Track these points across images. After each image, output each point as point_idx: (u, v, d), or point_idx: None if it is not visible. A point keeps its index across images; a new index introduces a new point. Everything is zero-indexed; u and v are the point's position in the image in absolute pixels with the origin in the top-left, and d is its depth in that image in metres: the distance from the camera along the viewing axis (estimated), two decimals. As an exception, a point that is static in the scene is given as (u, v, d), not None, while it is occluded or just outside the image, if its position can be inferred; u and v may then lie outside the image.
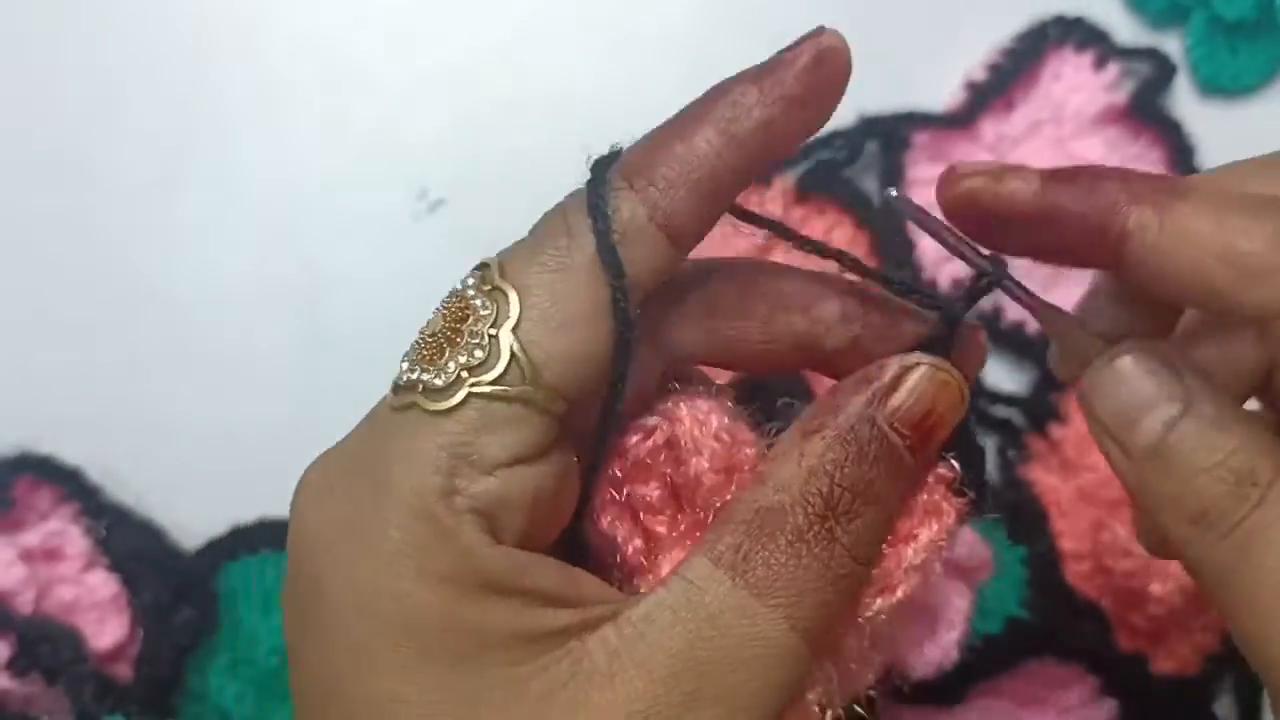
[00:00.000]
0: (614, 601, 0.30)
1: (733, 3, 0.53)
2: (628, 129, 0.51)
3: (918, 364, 0.32)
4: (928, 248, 0.51)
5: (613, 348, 0.30)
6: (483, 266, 0.31)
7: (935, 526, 0.33)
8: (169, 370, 0.50)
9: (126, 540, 0.47)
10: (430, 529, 0.29)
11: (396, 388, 0.31)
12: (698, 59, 0.52)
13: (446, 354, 0.30)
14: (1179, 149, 0.51)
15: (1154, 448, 0.30)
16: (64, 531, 0.47)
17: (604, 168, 0.32)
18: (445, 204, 0.52)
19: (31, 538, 0.46)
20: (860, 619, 0.32)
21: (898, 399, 0.32)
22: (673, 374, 0.33)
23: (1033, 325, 0.50)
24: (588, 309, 0.30)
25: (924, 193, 0.50)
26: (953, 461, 0.33)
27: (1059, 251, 0.33)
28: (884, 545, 0.32)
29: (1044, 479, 0.49)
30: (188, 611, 0.47)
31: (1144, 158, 0.51)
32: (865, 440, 0.31)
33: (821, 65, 0.32)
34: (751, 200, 0.50)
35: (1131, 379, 0.31)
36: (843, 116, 0.50)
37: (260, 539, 0.49)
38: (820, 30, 0.33)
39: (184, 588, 0.47)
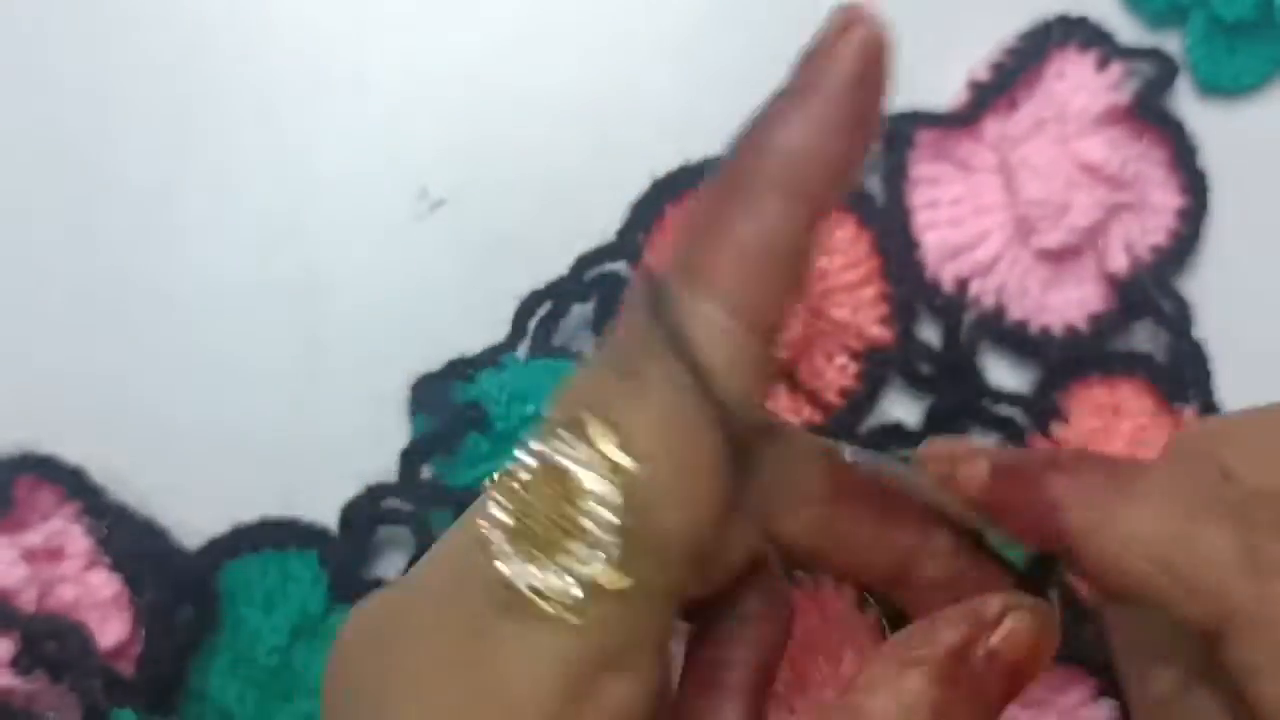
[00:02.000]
0: None
1: (732, 3, 0.53)
2: (627, 129, 0.51)
3: (1021, 604, 0.29)
4: (930, 247, 0.51)
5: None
6: (574, 424, 0.25)
7: None
8: (169, 370, 0.50)
9: (128, 540, 0.47)
10: None
11: (501, 585, 0.25)
12: (697, 59, 0.53)
13: (561, 544, 0.25)
14: (1182, 149, 0.51)
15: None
16: (65, 531, 0.47)
17: (655, 276, 0.27)
18: (445, 204, 0.52)
19: (33, 537, 0.46)
20: None
21: (997, 639, 0.29)
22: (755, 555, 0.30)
23: (1035, 324, 0.51)
24: (705, 460, 0.25)
25: (928, 191, 0.51)
26: None
27: (1011, 530, 0.31)
28: None
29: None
30: (189, 611, 0.47)
31: (1147, 157, 0.51)
32: (961, 680, 0.28)
33: (868, 76, 0.28)
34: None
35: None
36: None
37: (262, 538, 0.48)
38: (849, 16, 0.28)
39: (185, 587, 0.47)
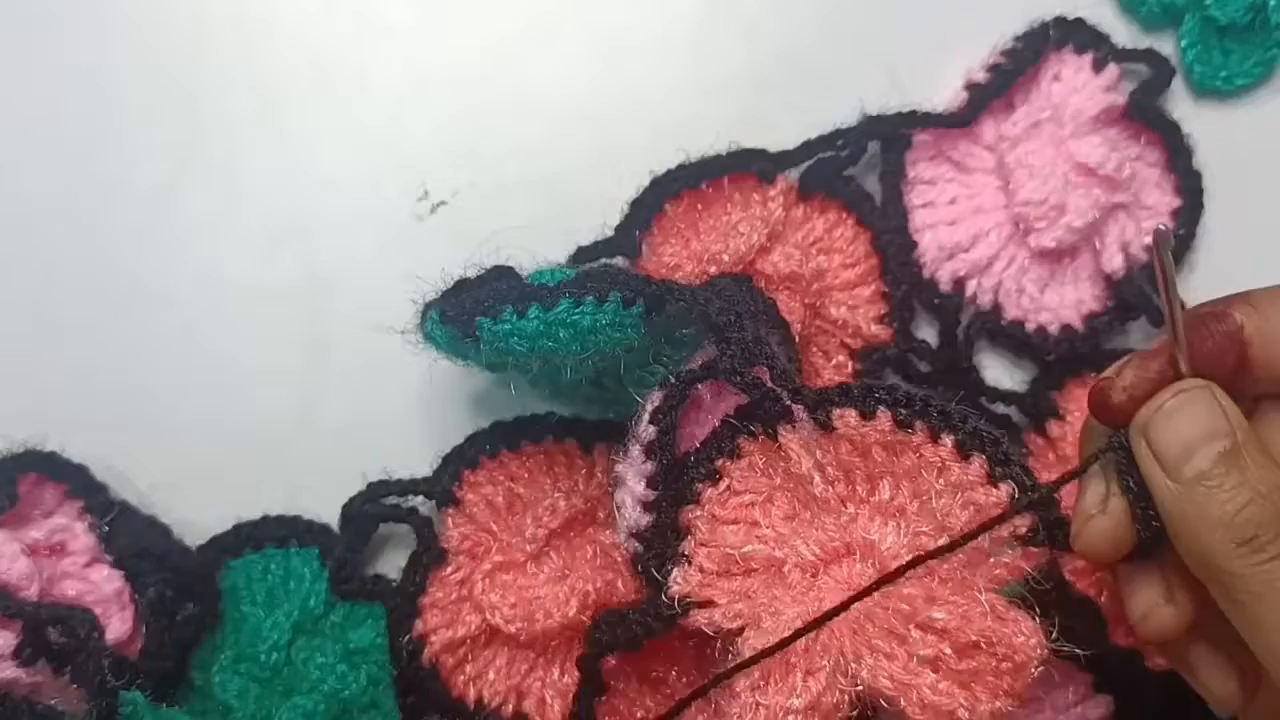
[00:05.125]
0: None
1: (733, 2, 0.53)
2: (628, 129, 0.52)
3: None
4: (929, 247, 0.51)
5: None
6: None
7: None
8: (172, 369, 0.50)
9: (130, 536, 0.48)
10: None
11: None
12: (698, 59, 0.53)
13: None
14: (1178, 150, 0.51)
15: (1204, 475, 0.35)
16: (68, 528, 0.47)
17: None
18: (446, 204, 0.52)
19: (36, 534, 0.46)
20: None
21: None
22: None
23: (1032, 323, 0.51)
24: None
25: (925, 192, 0.51)
26: None
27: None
28: None
29: (1041, 476, 0.49)
30: (191, 607, 0.47)
31: (1143, 158, 0.52)
32: None
33: None
34: (753, 199, 0.50)
35: (1190, 414, 0.36)
36: (845, 116, 0.51)
37: (264, 535, 0.49)
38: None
39: (187, 584, 0.48)
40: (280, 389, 0.50)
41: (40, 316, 0.50)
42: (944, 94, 0.52)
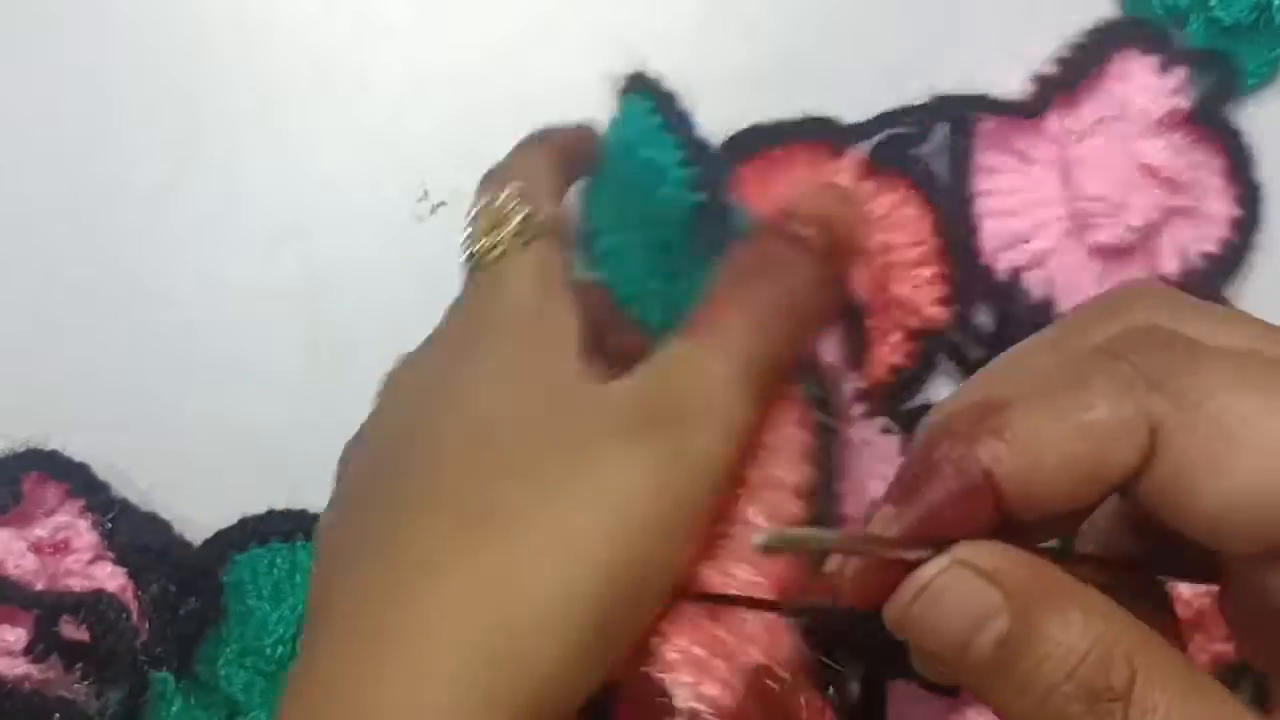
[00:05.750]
0: None
1: (732, 2, 0.53)
2: (628, 128, 0.51)
3: None
4: (990, 235, 0.50)
5: None
6: None
7: None
8: (172, 368, 0.51)
9: (132, 533, 0.48)
10: None
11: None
12: (698, 59, 0.53)
13: None
14: (1239, 157, 0.51)
15: (993, 667, 0.27)
16: (72, 525, 0.47)
17: None
18: (446, 205, 0.52)
19: (40, 531, 0.47)
20: None
21: None
22: None
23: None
24: None
25: (986, 179, 0.50)
26: None
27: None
28: None
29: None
30: (193, 602, 0.48)
31: (1207, 165, 0.51)
32: None
33: None
34: (823, 169, 0.49)
35: (941, 611, 0.27)
36: (845, 116, 0.50)
37: (269, 530, 0.49)
38: None
39: (189, 579, 0.48)
40: (280, 389, 0.51)
41: (40, 316, 0.51)
42: (1012, 83, 0.50)
